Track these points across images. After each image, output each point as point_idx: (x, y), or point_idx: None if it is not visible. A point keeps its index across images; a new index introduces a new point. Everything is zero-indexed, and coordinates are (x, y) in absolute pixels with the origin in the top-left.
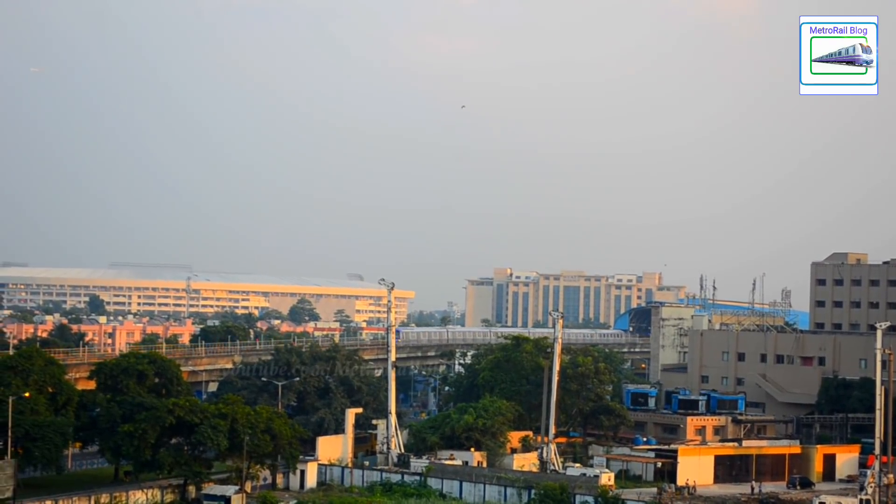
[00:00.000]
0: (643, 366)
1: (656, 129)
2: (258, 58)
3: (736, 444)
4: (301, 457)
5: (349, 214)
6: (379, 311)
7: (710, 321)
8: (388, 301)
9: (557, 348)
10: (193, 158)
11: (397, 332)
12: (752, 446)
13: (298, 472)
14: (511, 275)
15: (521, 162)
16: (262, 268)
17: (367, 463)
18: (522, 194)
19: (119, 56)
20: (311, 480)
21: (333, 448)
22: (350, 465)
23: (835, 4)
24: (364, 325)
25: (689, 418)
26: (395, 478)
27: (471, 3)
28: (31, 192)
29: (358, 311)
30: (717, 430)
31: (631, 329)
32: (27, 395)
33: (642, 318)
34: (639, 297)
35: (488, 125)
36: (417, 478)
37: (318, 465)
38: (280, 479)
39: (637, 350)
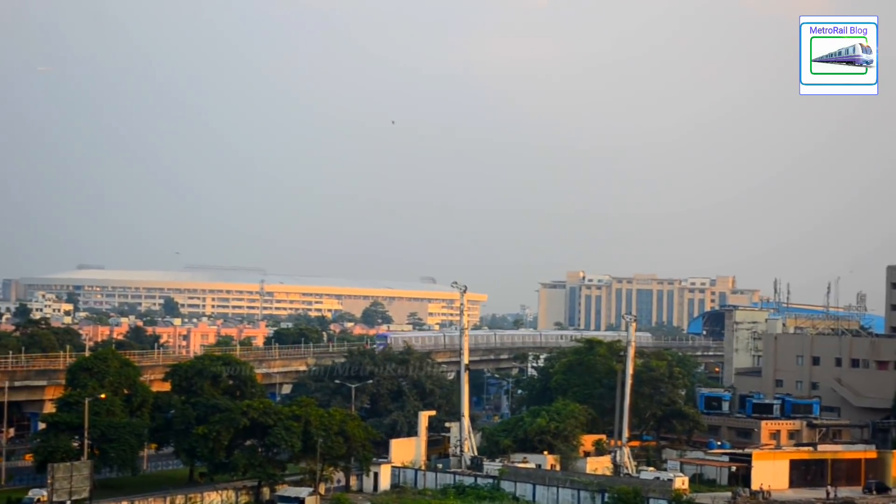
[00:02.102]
0: (717, 369)
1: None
2: (315, 62)
3: (811, 448)
4: (374, 459)
5: (421, 217)
6: (452, 314)
7: (784, 325)
8: (461, 304)
9: (631, 351)
10: (269, 164)
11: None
12: (828, 451)
13: (372, 474)
14: (584, 278)
15: (590, 159)
16: (336, 270)
17: (440, 466)
18: (592, 193)
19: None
20: (385, 483)
21: (406, 450)
22: (423, 467)
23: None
24: (437, 327)
25: (763, 422)
26: (469, 481)
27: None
28: (108, 194)
29: (431, 313)
30: (791, 435)
31: (704, 333)
32: (103, 396)
33: (716, 322)
34: (712, 301)
35: (553, 122)
36: (491, 481)
37: (392, 467)
38: (353, 482)
39: (711, 354)
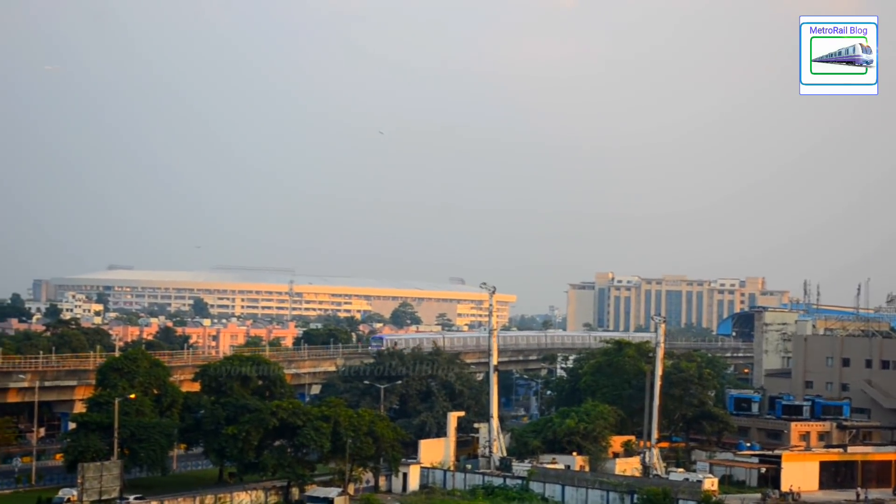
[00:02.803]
0: (746, 371)
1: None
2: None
3: (841, 450)
4: (403, 460)
5: (450, 218)
6: (481, 315)
7: (814, 326)
8: (490, 305)
9: (660, 353)
10: (297, 164)
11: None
12: (858, 452)
13: (401, 474)
14: (613, 279)
15: (610, 159)
16: (365, 271)
17: (469, 466)
18: (619, 193)
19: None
20: (414, 483)
21: (435, 451)
22: (452, 468)
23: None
24: (466, 328)
25: (793, 424)
26: (497, 481)
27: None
28: (138, 196)
29: (460, 314)
30: (821, 436)
31: (734, 334)
32: (133, 396)
33: (745, 323)
34: (741, 302)
35: (572, 122)
36: (519, 481)
37: (420, 468)
38: (382, 482)
39: (740, 355)
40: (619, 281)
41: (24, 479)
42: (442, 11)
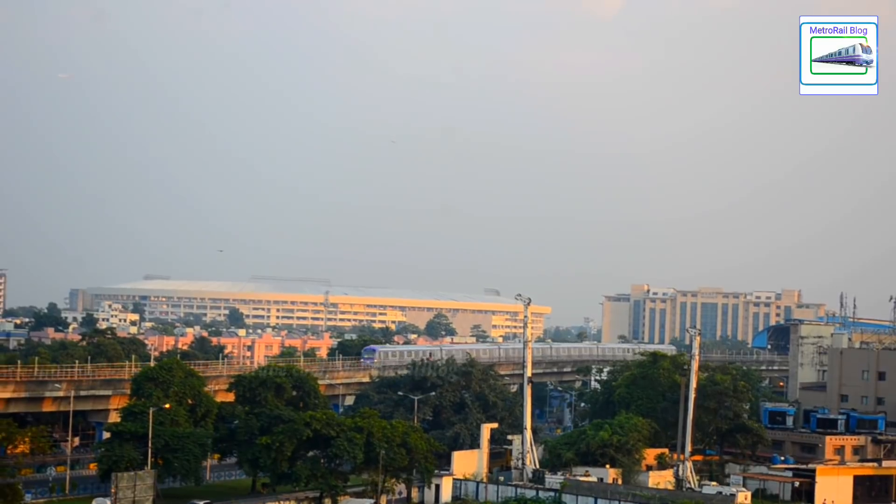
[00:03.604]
0: (781, 384)
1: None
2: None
3: (875, 464)
4: (436, 471)
5: (486, 228)
6: (515, 327)
7: (850, 339)
8: (525, 316)
9: (695, 365)
10: (326, 177)
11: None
12: (893, 467)
13: (433, 486)
14: (648, 291)
15: (640, 165)
16: (400, 282)
17: (501, 478)
18: (647, 199)
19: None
20: (446, 495)
21: (468, 463)
22: (485, 480)
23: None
24: (500, 340)
25: (827, 437)
26: (530, 493)
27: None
28: (172, 209)
29: (494, 325)
30: (856, 450)
31: (769, 347)
32: (167, 406)
33: (781, 336)
34: (777, 315)
35: (606, 129)
36: (552, 494)
37: (453, 479)
38: (415, 494)
39: (775, 368)
40: (655, 293)
41: (59, 489)
42: (481, 21)
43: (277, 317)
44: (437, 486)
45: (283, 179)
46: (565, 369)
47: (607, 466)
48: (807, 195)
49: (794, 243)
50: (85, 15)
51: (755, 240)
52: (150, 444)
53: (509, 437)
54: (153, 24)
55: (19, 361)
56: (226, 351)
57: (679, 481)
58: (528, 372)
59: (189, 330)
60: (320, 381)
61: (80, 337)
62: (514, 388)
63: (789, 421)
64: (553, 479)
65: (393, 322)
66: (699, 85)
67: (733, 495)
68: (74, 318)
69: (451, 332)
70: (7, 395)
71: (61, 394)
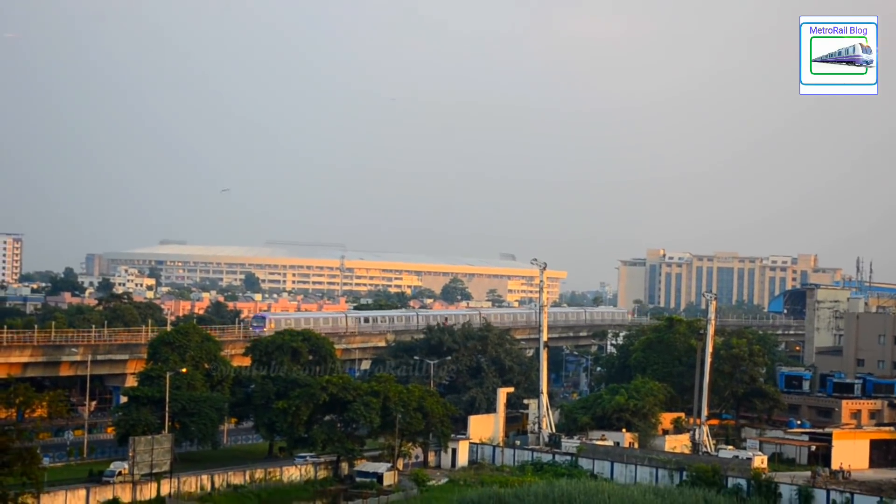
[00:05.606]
0: (797, 348)
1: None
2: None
3: (892, 428)
4: (452, 435)
5: (501, 192)
6: (531, 291)
7: (866, 304)
8: (541, 281)
9: (710, 330)
10: (342, 142)
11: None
12: None
13: (450, 450)
14: (664, 255)
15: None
16: (416, 247)
17: (518, 442)
18: (666, 163)
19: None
20: (463, 459)
21: (485, 427)
22: (501, 444)
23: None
24: (516, 304)
25: (844, 402)
26: (547, 457)
27: None
28: (190, 170)
29: (510, 290)
30: (872, 414)
31: (785, 311)
32: (184, 370)
33: (797, 301)
34: (793, 279)
35: (608, 87)
36: (568, 458)
37: (470, 443)
38: (432, 457)
39: (791, 332)
40: (671, 258)
41: (76, 452)
42: None
43: (293, 281)
44: (454, 450)
45: (300, 145)
46: (581, 334)
47: (623, 430)
48: (817, 145)
49: (807, 195)
50: None
51: (769, 193)
52: (167, 408)
53: (525, 401)
54: None
55: (36, 326)
56: (242, 316)
57: (695, 445)
58: (545, 336)
59: (205, 294)
60: (336, 346)
61: (96, 301)
62: (530, 353)
63: (806, 385)
64: (569, 444)
65: (409, 287)
66: (706, 45)
67: (749, 459)
68: (91, 283)
69: (467, 297)
70: (24, 359)
71: (78, 358)
